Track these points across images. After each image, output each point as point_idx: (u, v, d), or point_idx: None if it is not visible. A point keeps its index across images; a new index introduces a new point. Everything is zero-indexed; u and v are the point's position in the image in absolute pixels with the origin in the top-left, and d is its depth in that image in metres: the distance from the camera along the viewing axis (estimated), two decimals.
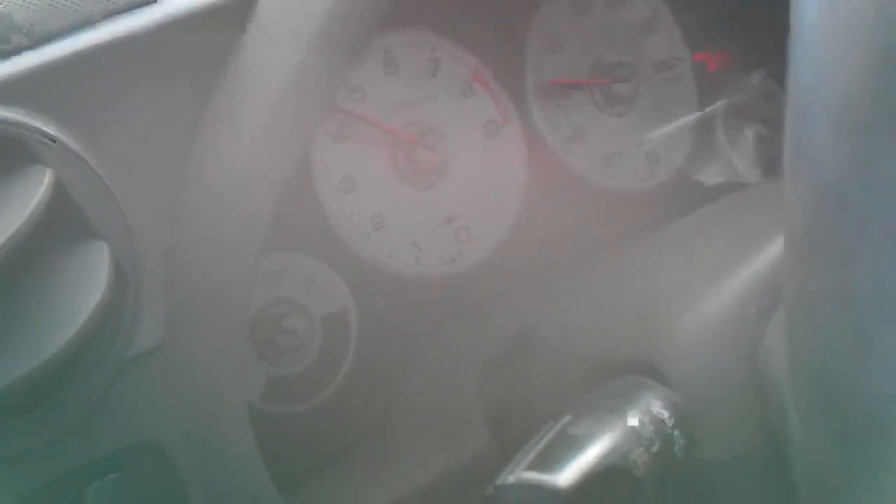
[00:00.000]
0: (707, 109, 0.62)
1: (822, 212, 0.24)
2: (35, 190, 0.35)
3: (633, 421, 0.36)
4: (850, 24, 0.23)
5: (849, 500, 0.26)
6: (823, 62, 0.23)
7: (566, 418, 0.36)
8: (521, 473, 0.34)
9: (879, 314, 0.23)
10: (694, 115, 0.61)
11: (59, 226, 0.36)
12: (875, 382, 0.24)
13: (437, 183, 0.55)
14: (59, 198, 0.36)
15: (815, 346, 0.26)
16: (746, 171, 0.63)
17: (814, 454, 0.28)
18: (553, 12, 0.58)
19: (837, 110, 0.23)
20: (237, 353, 0.41)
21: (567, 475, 0.33)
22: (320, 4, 0.39)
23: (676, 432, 0.36)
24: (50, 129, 0.37)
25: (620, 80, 0.59)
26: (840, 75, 0.23)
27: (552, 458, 0.34)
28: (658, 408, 0.37)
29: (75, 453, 0.39)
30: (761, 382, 0.37)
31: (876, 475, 0.25)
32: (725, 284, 0.40)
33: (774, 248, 0.39)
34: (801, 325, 0.27)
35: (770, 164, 0.63)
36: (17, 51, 0.37)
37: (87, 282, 0.36)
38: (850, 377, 0.25)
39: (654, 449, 0.35)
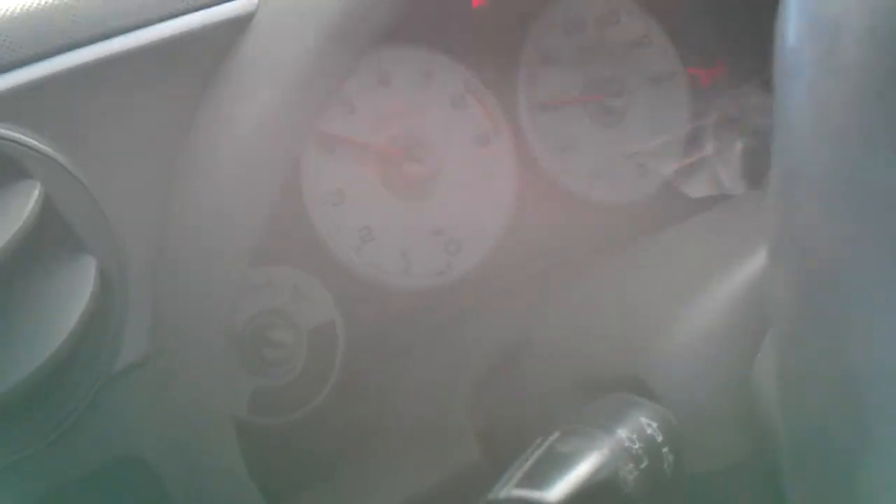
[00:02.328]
0: (698, 125, 0.62)
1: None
2: (23, 204, 0.35)
3: (622, 437, 0.36)
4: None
5: None
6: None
7: (555, 435, 0.36)
8: (511, 491, 0.34)
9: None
10: (685, 130, 0.62)
11: (47, 239, 0.36)
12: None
13: (426, 195, 0.55)
14: (47, 211, 0.36)
15: (805, 379, 0.26)
16: (733, 184, 0.63)
17: (802, 475, 0.28)
18: (546, 30, 0.58)
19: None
20: (222, 365, 0.40)
21: (556, 492, 0.33)
22: (318, 18, 0.39)
23: (666, 448, 0.36)
24: (38, 144, 0.37)
25: (613, 95, 0.59)
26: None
27: (541, 475, 0.34)
28: (647, 424, 0.37)
29: (58, 468, 0.38)
30: (751, 397, 0.37)
31: (863, 500, 0.25)
32: (713, 297, 0.40)
33: (761, 259, 0.40)
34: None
35: (757, 176, 0.63)
36: (8, 67, 0.37)
37: (73, 295, 0.36)
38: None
39: (644, 465, 0.35)
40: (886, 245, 0.22)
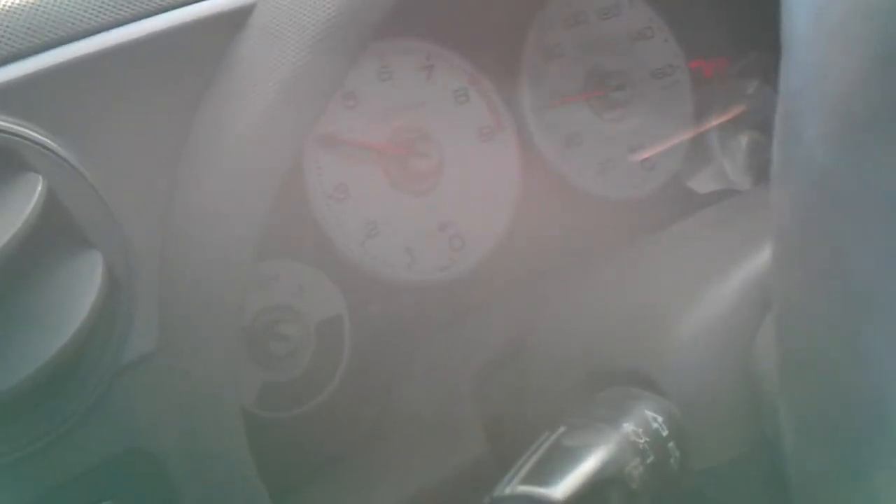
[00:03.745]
0: (702, 118, 0.62)
1: (811, 214, 0.24)
2: (27, 198, 0.35)
3: (628, 432, 0.36)
4: (843, 26, 0.23)
5: None
6: (815, 64, 0.23)
7: (561, 429, 0.36)
8: (517, 487, 0.34)
9: (869, 319, 0.23)
10: (689, 124, 0.61)
11: (52, 234, 0.36)
12: (866, 389, 0.24)
13: (430, 189, 0.55)
14: (52, 206, 0.36)
15: (805, 353, 0.26)
16: (738, 178, 0.63)
17: (806, 462, 0.28)
18: (549, 23, 0.58)
19: (828, 111, 0.23)
20: (230, 359, 0.40)
21: (563, 488, 0.33)
22: (320, 9, 0.39)
23: (672, 444, 0.36)
24: (41, 137, 0.37)
25: (616, 89, 0.59)
26: (832, 77, 0.23)
27: (547, 470, 0.34)
28: (653, 418, 0.37)
29: (66, 461, 0.38)
30: (754, 388, 0.37)
31: (868, 484, 0.25)
32: (718, 292, 0.40)
33: (766, 254, 0.40)
34: (790, 332, 0.26)
35: (762, 170, 0.63)
36: (9, 59, 0.36)
37: (80, 290, 0.36)
38: (840, 384, 0.25)
39: (650, 461, 0.35)
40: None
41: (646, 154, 0.60)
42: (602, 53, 0.60)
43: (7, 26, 0.37)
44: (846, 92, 0.23)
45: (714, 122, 0.63)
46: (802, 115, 0.24)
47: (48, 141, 0.37)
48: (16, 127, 0.36)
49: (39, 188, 0.35)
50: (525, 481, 0.34)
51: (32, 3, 0.37)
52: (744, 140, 0.63)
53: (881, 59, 0.22)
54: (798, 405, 0.27)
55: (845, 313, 0.24)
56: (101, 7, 0.39)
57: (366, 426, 0.52)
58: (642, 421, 0.36)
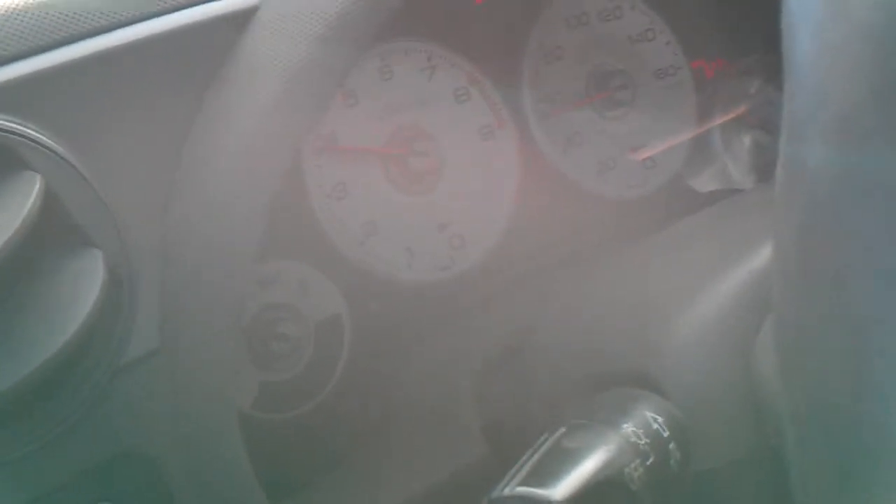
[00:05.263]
0: (704, 118, 0.62)
1: (814, 238, 0.24)
2: (26, 197, 0.35)
3: (628, 433, 0.35)
4: (842, 50, 0.22)
5: None
6: (816, 88, 0.23)
7: (561, 430, 0.36)
8: (516, 487, 0.33)
9: (872, 343, 0.23)
10: (691, 124, 0.61)
11: (51, 233, 0.36)
12: (869, 405, 0.24)
13: (430, 189, 0.55)
14: (51, 205, 0.36)
15: (808, 371, 0.26)
16: (741, 177, 0.63)
17: (808, 471, 0.28)
18: (550, 23, 0.58)
19: (830, 135, 0.23)
20: (230, 359, 0.40)
21: (562, 489, 0.33)
22: (324, 7, 0.39)
23: (672, 445, 0.36)
24: (40, 136, 0.37)
25: (619, 89, 0.59)
26: (833, 100, 0.23)
27: (547, 471, 0.34)
28: (653, 419, 0.36)
29: (63, 464, 0.38)
30: (756, 389, 0.37)
31: (870, 495, 0.25)
32: (719, 291, 0.40)
33: (767, 253, 0.39)
34: (793, 349, 0.26)
35: (765, 170, 0.63)
36: (9, 59, 0.37)
37: (80, 289, 0.36)
38: (843, 401, 0.24)
39: (650, 462, 0.35)
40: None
41: (647, 153, 0.60)
42: (604, 54, 0.60)
43: (9, 26, 0.37)
44: (847, 115, 0.23)
45: (716, 121, 0.62)
46: (805, 138, 0.24)
47: (47, 140, 0.37)
48: (15, 126, 0.36)
49: (38, 187, 0.35)
50: (524, 482, 0.34)
51: (32, 4, 0.37)
52: (746, 139, 0.63)
53: (880, 82, 0.22)
54: (800, 423, 0.27)
55: (848, 337, 0.24)
56: (101, 9, 0.39)
57: (364, 427, 0.52)
58: (643, 422, 0.36)
